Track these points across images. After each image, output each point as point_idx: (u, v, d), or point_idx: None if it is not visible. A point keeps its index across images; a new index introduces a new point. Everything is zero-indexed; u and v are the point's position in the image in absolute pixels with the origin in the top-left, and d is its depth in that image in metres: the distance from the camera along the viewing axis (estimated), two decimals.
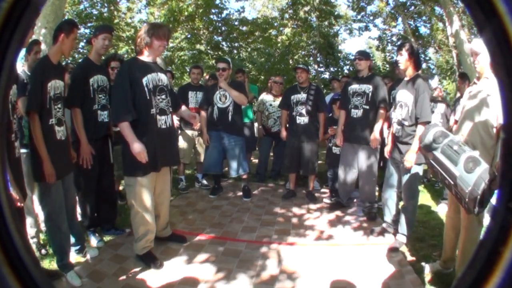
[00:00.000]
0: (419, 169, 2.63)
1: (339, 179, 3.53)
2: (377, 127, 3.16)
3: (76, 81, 2.45)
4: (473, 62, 2.04)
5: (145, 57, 2.35)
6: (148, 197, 2.35)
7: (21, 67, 2.38)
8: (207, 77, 5.01)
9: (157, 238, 2.56)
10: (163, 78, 2.40)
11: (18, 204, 1.70)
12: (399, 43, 12.92)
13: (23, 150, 2.07)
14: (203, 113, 3.85)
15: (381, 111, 3.19)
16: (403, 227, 2.67)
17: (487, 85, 1.90)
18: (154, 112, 2.31)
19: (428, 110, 2.51)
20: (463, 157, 1.55)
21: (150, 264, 2.35)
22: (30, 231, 2.38)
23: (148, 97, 2.28)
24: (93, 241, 2.61)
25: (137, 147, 2.19)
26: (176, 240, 2.76)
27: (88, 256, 2.40)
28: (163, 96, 2.38)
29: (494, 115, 1.86)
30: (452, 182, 1.58)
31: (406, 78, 2.68)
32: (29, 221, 2.35)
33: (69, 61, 6.26)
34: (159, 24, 2.41)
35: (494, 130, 1.87)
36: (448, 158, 1.63)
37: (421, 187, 4.22)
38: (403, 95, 2.64)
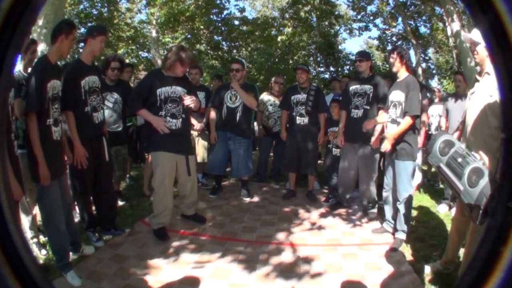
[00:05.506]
0: (412, 165, 2.71)
1: (339, 179, 3.54)
2: (378, 127, 3.17)
3: (68, 84, 2.37)
4: (472, 52, 2.02)
5: (167, 72, 2.81)
6: (165, 178, 2.77)
7: (17, 67, 2.37)
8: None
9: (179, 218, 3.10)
10: (177, 90, 2.82)
11: (18, 198, 1.75)
12: (398, 43, 12.97)
13: (18, 151, 2.07)
14: (212, 111, 3.88)
15: (382, 111, 3.19)
16: (402, 224, 2.71)
17: (489, 83, 1.88)
18: (163, 114, 2.78)
19: (417, 105, 2.63)
20: (466, 170, 1.56)
21: (159, 238, 2.76)
22: (30, 231, 2.38)
23: (158, 104, 2.77)
24: (93, 241, 2.60)
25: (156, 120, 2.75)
26: (197, 220, 3.17)
27: (84, 253, 2.41)
28: (175, 104, 2.81)
29: (497, 115, 1.84)
30: (456, 195, 1.60)
31: (399, 79, 2.80)
32: (27, 221, 2.35)
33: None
34: (185, 54, 2.78)
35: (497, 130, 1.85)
36: (453, 171, 1.64)
37: (421, 187, 4.23)
38: (396, 95, 2.76)
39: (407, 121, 2.64)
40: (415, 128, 2.76)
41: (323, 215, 3.48)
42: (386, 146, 2.75)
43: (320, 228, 3.15)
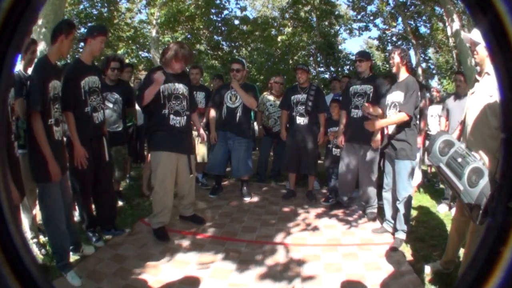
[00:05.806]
0: (410, 165, 2.72)
1: (339, 179, 3.54)
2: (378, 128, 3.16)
3: (67, 84, 2.36)
4: (472, 52, 2.02)
5: (166, 68, 2.83)
6: (167, 177, 2.77)
7: (17, 67, 2.36)
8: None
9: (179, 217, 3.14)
10: (179, 87, 2.84)
11: (16, 202, 1.73)
12: (398, 43, 12.97)
13: (19, 151, 2.07)
14: (212, 111, 3.88)
15: (382, 111, 3.19)
16: (401, 223, 2.71)
17: (489, 83, 1.87)
18: (166, 112, 2.78)
19: (412, 105, 2.65)
20: (466, 170, 1.56)
21: (158, 238, 2.75)
22: (30, 231, 2.38)
23: (162, 101, 2.78)
24: (93, 241, 2.60)
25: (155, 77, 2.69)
26: (196, 221, 3.13)
27: (84, 253, 2.41)
28: (178, 102, 2.83)
29: (497, 115, 1.84)
30: (456, 195, 1.60)
31: (399, 80, 2.81)
32: (28, 221, 2.35)
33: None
34: (181, 50, 2.78)
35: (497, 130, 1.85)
36: (453, 171, 1.64)
37: (421, 187, 4.23)
38: (396, 96, 2.77)
39: (401, 116, 2.64)
40: (412, 125, 2.75)
41: (323, 215, 3.47)
42: (372, 127, 2.85)
43: (320, 228, 3.15)
